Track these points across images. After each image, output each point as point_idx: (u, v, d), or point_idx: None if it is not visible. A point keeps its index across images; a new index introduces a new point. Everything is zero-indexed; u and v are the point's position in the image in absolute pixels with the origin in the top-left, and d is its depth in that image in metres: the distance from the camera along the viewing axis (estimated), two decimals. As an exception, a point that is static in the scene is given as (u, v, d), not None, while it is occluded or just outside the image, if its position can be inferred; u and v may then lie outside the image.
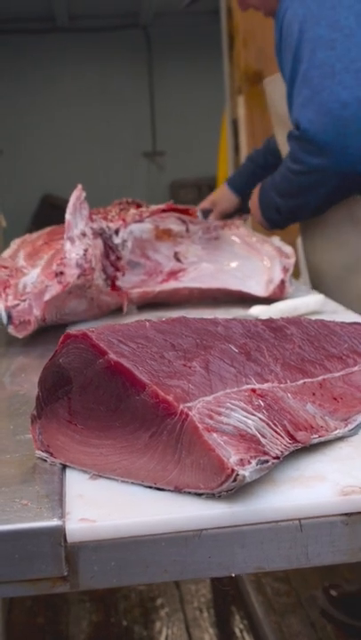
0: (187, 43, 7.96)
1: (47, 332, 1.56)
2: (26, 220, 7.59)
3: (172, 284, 1.75)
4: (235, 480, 0.74)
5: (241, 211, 2.42)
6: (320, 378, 0.95)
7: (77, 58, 8.14)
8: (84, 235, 1.54)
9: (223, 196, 2.49)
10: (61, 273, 1.47)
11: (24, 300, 1.48)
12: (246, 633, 2.34)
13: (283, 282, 1.75)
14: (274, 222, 2.08)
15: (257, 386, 0.86)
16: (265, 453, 0.77)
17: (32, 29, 7.85)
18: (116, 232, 1.70)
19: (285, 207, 2.00)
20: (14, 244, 1.81)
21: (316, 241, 2.12)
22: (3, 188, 7.02)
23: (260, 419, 0.80)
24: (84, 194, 1.58)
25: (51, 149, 8.13)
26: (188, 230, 1.79)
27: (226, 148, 4.54)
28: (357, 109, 1.75)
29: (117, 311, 1.70)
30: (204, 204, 2.53)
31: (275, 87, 2.15)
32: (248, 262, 1.81)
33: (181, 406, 0.77)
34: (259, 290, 1.75)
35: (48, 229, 1.85)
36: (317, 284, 2.11)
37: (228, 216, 2.42)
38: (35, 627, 2.42)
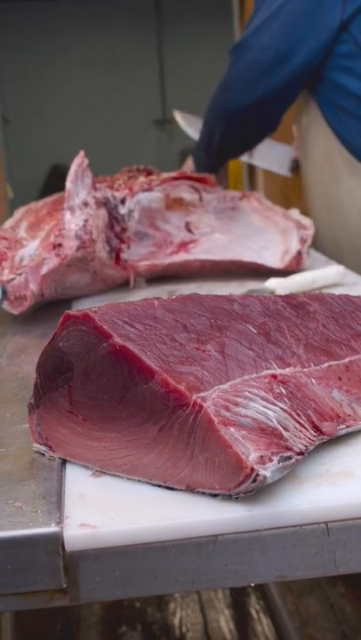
0: (197, 7, 7.77)
1: (50, 307, 1.47)
2: (35, 191, 7.47)
3: (182, 256, 1.65)
4: (254, 480, 0.65)
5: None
6: (346, 360, 0.86)
7: (84, 24, 7.96)
8: (85, 204, 1.44)
9: None
10: (60, 245, 1.37)
11: (20, 274, 1.38)
12: (263, 614, 2.27)
13: (300, 253, 1.64)
14: (203, 163, 2.18)
15: (278, 371, 0.77)
16: (288, 449, 0.69)
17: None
18: (122, 202, 1.60)
19: (218, 135, 2.07)
20: (17, 213, 1.71)
21: (314, 205, 2.18)
22: (11, 158, 6.90)
23: (281, 409, 0.72)
24: (86, 161, 1.48)
25: (59, 119, 7.98)
26: (201, 199, 1.69)
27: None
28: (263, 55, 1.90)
29: (125, 285, 1.61)
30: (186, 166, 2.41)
31: None
32: (264, 233, 1.71)
33: (195, 396, 0.68)
34: (274, 261, 1.65)
35: (54, 197, 1.74)
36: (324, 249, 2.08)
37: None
38: (45, 609, 2.35)
